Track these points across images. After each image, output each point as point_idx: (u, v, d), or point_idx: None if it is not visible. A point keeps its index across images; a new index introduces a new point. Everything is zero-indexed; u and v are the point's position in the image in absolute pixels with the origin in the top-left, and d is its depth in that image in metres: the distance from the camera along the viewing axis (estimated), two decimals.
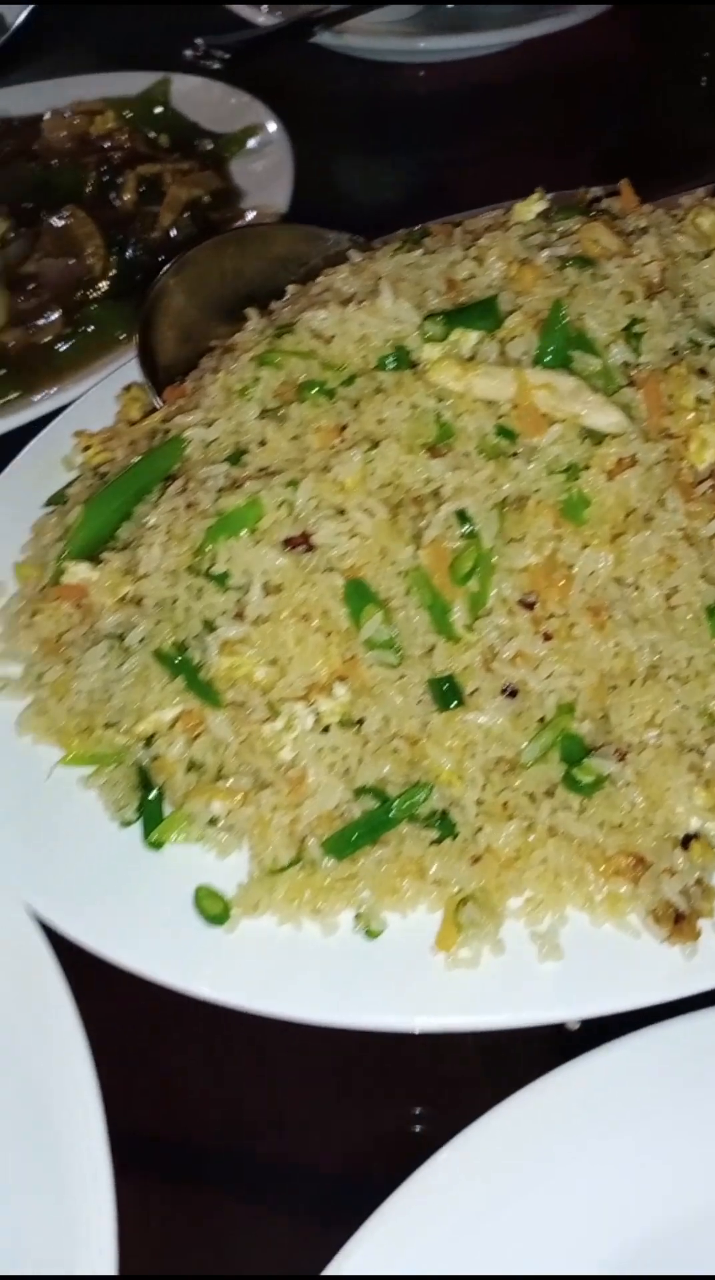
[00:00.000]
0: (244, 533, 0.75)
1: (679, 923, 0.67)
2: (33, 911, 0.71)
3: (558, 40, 1.62)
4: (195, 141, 1.41)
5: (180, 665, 0.75)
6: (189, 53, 1.48)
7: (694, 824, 0.72)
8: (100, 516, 0.85)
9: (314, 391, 0.81)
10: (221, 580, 0.75)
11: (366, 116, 1.60)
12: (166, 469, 0.84)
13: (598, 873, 0.70)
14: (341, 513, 0.75)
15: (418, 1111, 0.69)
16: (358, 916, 0.70)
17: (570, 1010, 0.66)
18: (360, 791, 0.72)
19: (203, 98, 1.47)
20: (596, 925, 0.69)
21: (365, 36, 1.59)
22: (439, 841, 0.72)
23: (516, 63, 1.73)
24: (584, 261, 0.83)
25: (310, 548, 0.75)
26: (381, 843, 0.71)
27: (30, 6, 1.75)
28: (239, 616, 0.74)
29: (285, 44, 1.58)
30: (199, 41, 1.48)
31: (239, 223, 1.26)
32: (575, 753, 0.73)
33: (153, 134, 1.41)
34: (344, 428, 0.79)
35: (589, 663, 0.74)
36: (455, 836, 0.72)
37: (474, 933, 0.68)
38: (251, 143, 1.40)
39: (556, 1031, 0.66)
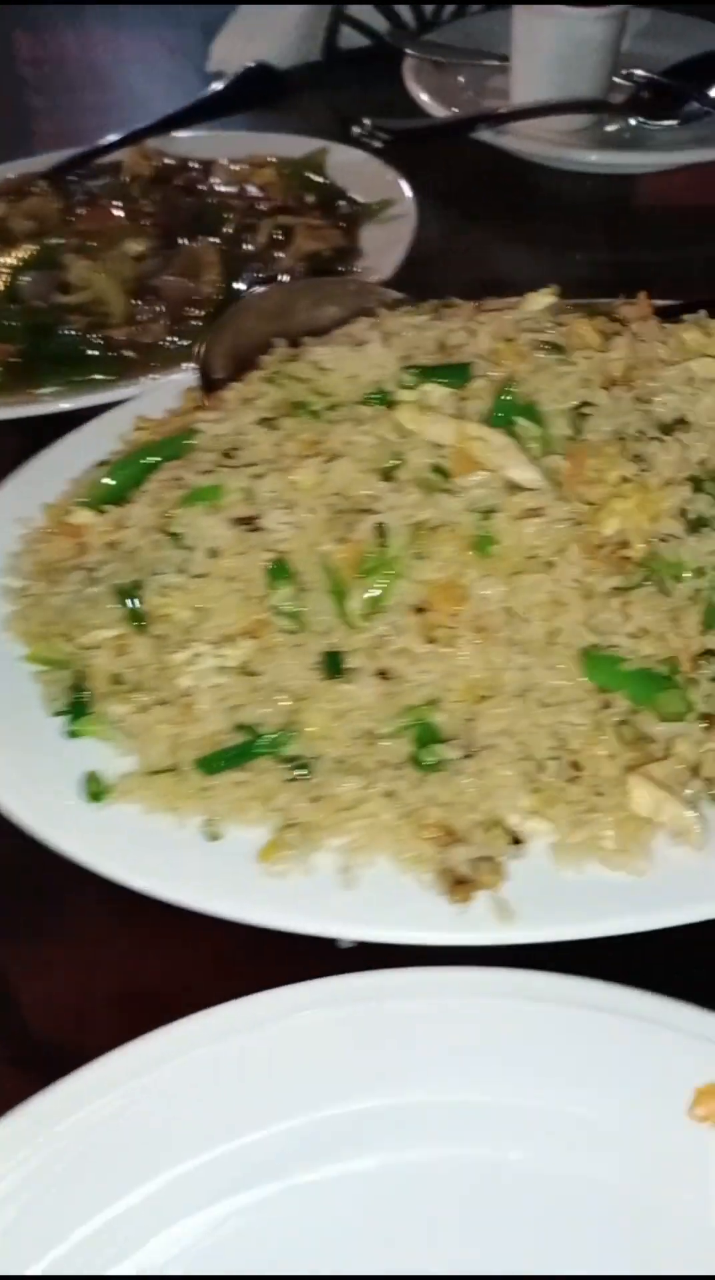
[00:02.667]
0: (204, 506, 0.98)
1: (457, 885, 0.84)
2: None
3: None
4: (338, 204, 1.69)
5: (126, 599, 0.98)
6: (356, 129, 1.78)
7: (514, 820, 0.89)
8: (119, 476, 1.10)
9: (303, 411, 1.04)
10: (177, 539, 0.98)
11: (505, 210, 1.85)
12: (176, 452, 1.08)
13: (412, 835, 0.88)
14: (290, 507, 0.98)
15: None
16: (206, 821, 0.90)
17: (344, 929, 0.83)
18: (238, 727, 0.93)
19: (358, 169, 1.75)
20: (397, 875, 0.87)
21: (522, 139, 1.85)
22: (293, 781, 0.91)
23: (681, 185, 1.97)
24: (557, 348, 1.03)
25: (256, 529, 0.97)
26: (244, 769, 0.91)
27: (252, 64, 2.08)
28: (181, 570, 0.97)
29: (451, 137, 1.86)
30: (367, 121, 1.77)
31: (348, 278, 1.52)
32: (426, 737, 0.91)
33: (303, 192, 1.69)
34: (318, 443, 1.01)
35: (462, 669, 0.93)
36: (307, 780, 0.91)
37: (291, 851, 0.87)
38: (386, 213, 1.66)
39: (333, 950, 0.84)
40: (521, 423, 0.98)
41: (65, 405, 1.34)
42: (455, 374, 1.02)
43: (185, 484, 1.01)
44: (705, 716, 0.91)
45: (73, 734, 0.96)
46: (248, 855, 0.87)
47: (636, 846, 0.85)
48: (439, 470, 0.97)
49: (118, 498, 1.09)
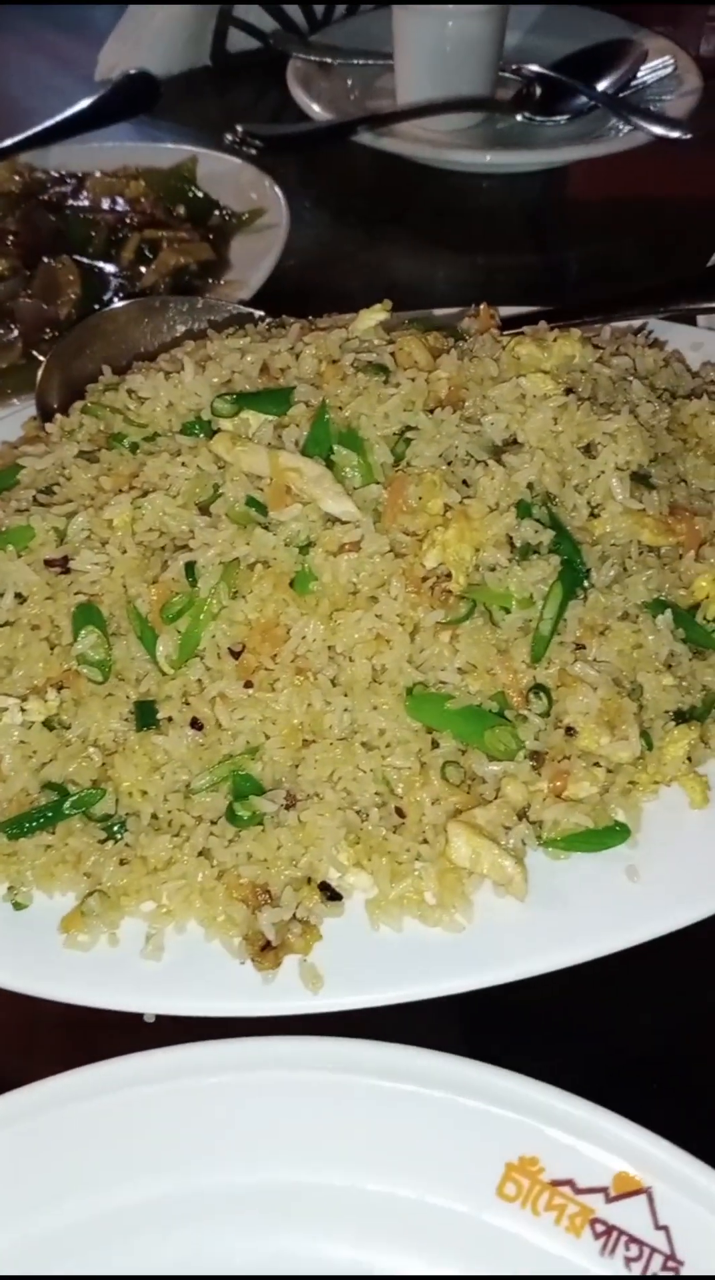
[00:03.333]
0: (12, 549, 0.91)
1: (264, 950, 0.78)
2: None
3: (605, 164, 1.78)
4: (211, 215, 1.61)
5: None
6: (229, 136, 1.70)
7: (333, 875, 0.83)
8: None
9: (121, 442, 0.97)
10: None
11: (388, 215, 1.77)
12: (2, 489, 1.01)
13: (226, 896, 0.82)
14: (103, 546, 0.91)
15: None
16: (9, 890, 0.83)
17: (145, 1003, 0.77)
18: (46, 785, 0.86)
19: (233, 177, 1.67)
20: (207, 940, 0.80)
21: (406, 142, 1.78)
22: (104, 842, 0.85)
23: (572, 182, 1.90)
24: (379, 369, 0.96)
25: (66, 570, 0.90)
26: (53, 831, 0.85)
27: (130, 72, 1.99)
28: None
29: (332, 142, 1.79)
30: (239, 128, 1.69)
31: (210, 293, 1.44)
32: (244, 789, 0.85)
33: (173, 204, 1.61)
34: (135, 476, 0.94)
35: (282, 715, 0.86)
36: (119, 840, 0.84)
37: (94, 921, 0.80)
38: (257, 223, 1.59)
39: (142, 1023, 0.78)
40: (340, 451, 0.91)
41: None
42: (275, 400, 0.95)
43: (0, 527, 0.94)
44: (535, 755, 0.85)
45: None
46: (54, 924, 0.81)
47: (457, 900, 0.79)
48: (255, 504, 0.91)
49: None
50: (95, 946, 0.80)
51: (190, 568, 0.87)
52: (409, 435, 0.93)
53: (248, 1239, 0.69)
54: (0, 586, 0.90)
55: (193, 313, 1.21)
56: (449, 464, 0.94)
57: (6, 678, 0.88)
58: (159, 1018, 0.77)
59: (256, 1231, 0.69)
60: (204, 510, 0.92)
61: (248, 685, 0.87)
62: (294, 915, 0.80)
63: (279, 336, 1.03)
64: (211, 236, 1.56)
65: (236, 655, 0.87)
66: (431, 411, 0.94)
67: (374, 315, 1.05)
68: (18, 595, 0.90)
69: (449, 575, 0.89)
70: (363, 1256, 0.68)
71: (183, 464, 0.93)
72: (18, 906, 0.83)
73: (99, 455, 0.97)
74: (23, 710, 0.86)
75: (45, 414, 1.14)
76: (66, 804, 0.85)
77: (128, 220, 1.58)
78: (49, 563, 0.90)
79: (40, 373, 1.16)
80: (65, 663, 0.88)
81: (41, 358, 1.35)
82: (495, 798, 0.85)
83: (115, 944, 0.80)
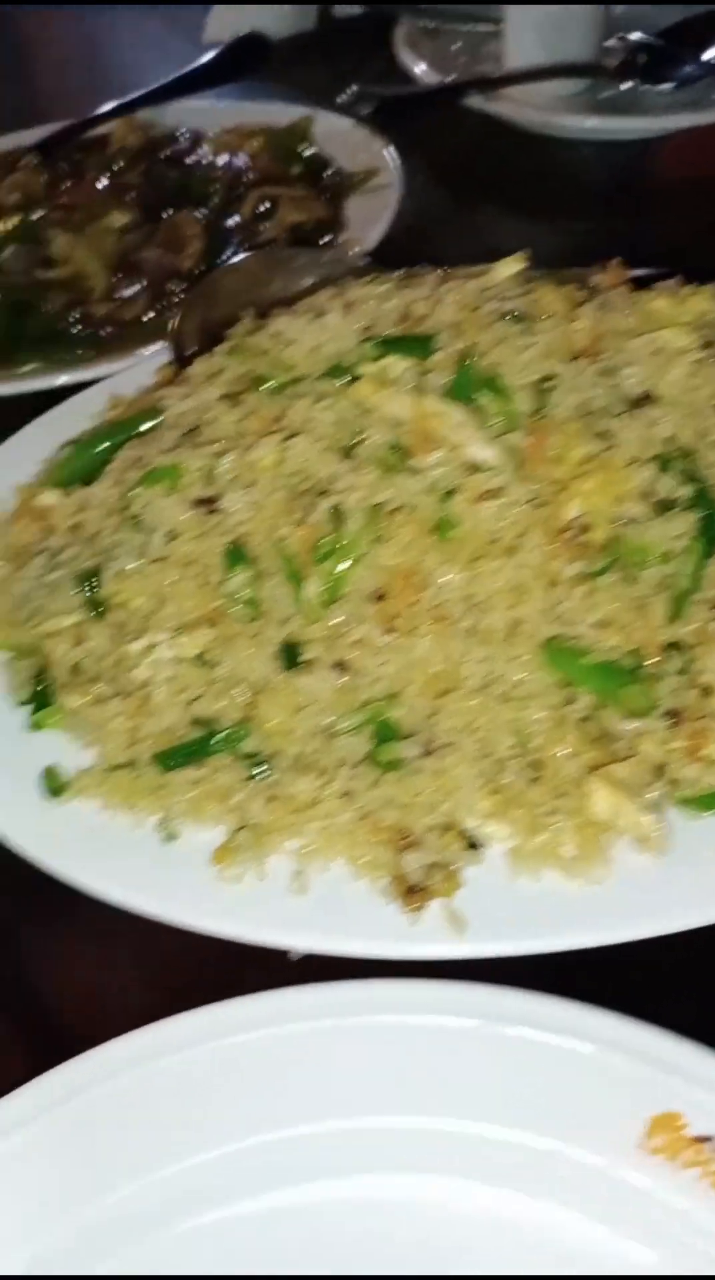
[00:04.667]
0: (163, 486, 0.87)
1: (410, 894, 0.74)
2: None
3: None
4: (324, 174, 1.55)
5: (85, 584, 0.88)
6: (342, 97, 1.63)
7: (472, 823, 0.79)
8: (81, 457, 0.99)
9: (264, 385, 0.92)
10: (136, 521, 0.87)
11: (496, 178, 1.69)
12: (140, 430, 0.97)
13: (369, 838, 0.78)
14: (249, 487, 0.87)
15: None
16: (161, 821, 0.80)
17: (293, 939, 0.74)
18: (196, 721, 0.83)
19: (345, 138, 1.60)
20: (353, 880, 0.77)
21: (514, 106, 1.69)
22: (250, 779, 0.81)
23: (677, 151, 1.80)
24: (520, 318, 0.90)
25: (214, 510, 0.86)
26: (201, 766, 0.82)
27: (246, 33, 1.92)
28: (140, 554, 0.86)
29: (441, 104, 1.71)
30: (353, 89, 1.63)
31: (322, 248, 1.39)
32: (386, 734, 0.81)
33: (288, 163, 1.55)
34: (279, 419, 0.90)
35: (421, 662, 0.82)
36: (263, 778, 0.81)
37: (243, 854, 0.77)
38: (371, 183, 1.53)
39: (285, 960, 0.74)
40: (482, 398, 0.86)
41: (43, 384, 1.23)
42: (417, 346, 0.89)
43: (145, 463, 0.90)
44: (671, 713, 0.80)
45: (35, 725, 0.87)
46: (203, 858, 0.78)
47: (596, 854, 0.75)
48: (398, 448, 0.86)
49: (83, 478, 0.98)
50: (243, 881, 0.77)
51: (336, 511, 0.84)
52: (548, 385, 0.88)
53: (390, 1177, 0.66)
54: (152, 524, 0.86)
55: (321, 264, 1.15)
56: (588, 415, 0.88)
57: (156, 614, 0.84)
58: (301, 958, 0.74)
59: (397, 1172, 0.66)
60: (346, 455, 0.88)
61: (389, 631, 0.83)
62: (436, 861, 0.76)
63: (415, 286, 0.98)
64: (326, 195, 1.50)
65: (379, 600, 0.83)
66: (571, 362, 0.89)
67: (511, 265, 0.98)
68: (168, 533, 0.86)
69: (588, 527, 0.84)
70: (500, 1203, 0.65)
71: (326, 408, 0.89)
72: (169, 838, 0.80)
73: (242, 398, 0.93)
74: (174, 646, 0.83)
75: (181, 359, 1.10)
76: (214, 740, 0.82)
77: (245, 177, 1.52)
78: (198, 502, 0.87)
79: (176, 320, 1.12)
80: (214, 601, 0.84)
81: (168, 309, 1.32)
82: (631, 754, 0.81)
83: (263, 879, 0.77)
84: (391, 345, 0.89)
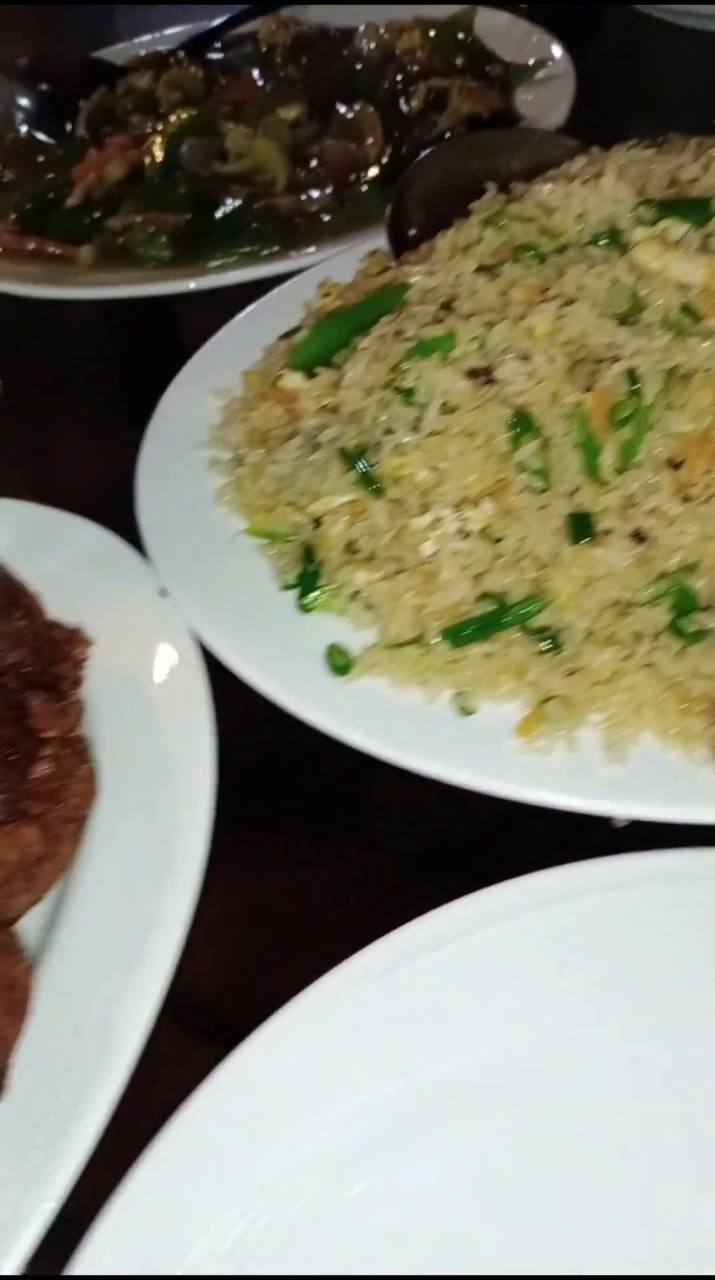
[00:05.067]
0: (436, 357, 0.83)
1: None
2: (197, 636, 0.83)
3: None
4: (487, 67, 1.48)
5: (356, 462, 0.84)
6: None
7: None
8: (321, 339, 0.95)
9: (529, 254, 0.88)
10: (407, 395, 0.83)
11: (666, 79, 1.62)
12: (387, 308, 0.93)
13: (678, 709, 0.75)
14: (525, 357, 0.82)
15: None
16: (457, 694, 0.77)
17: (620, 806, 0.71)
18: (483, 595, 0.80)
19: (505, 31, 1.54)
20: (664, 751, 0.74)
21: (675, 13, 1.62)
22: (543, 654, 0.78)
23: None
24: None
25: (491, 380, 0.82)
26: (492, 640, 0.79)
27: None
28: (415, 429, 0.83)
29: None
30: None
31: (539, 133, 1.32)
32: (686, 605, 0.78)
33: (451, 55, 1.49)
34: (547, 289, 0.86)
35: None
36: (558, 652, 0.78)
37: (553, 725, 0.74)
38: (539, 75, 1.46)
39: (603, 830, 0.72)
40: None
41: (238, 277, 1.19)
42: (695, 209, 0.84)
43: (408, 338, 0.86)
44: None
45: (304, 608, 0.84)
46: (505, 730, 0.75)
47: None
48: (689, 312, 0.81)
49: (324, 360, 0.94)
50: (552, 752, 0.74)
51: (630, 375, 0.79)
52: None
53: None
54: (426, 395, 0.83)
55: (532, 145, 1.10)
56: None
57: (437, 489, 0.81)
58: (624, 825, 0.72)
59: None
60: (623, 322, 0.83)
61: (684, 500, 0.79)
62: None
63: (674, 153, 0.93)
64: (495, 87, 1.44)
65: (676, 467, 0.79)
66: None
67: None
68: (443, 405, 0.82)
69: None
70: None
71: (600, 274, 0.84)
72: (465, 712, 0.77)
73: (500, 269, 0.89)
74: (459, 520, 0.80)
75: (400, 239, 1.06)
76: (506, 614, 0.79)
77: (409, 70, 1.46)
78: (473, 373, 0.83)
79: (391, 204, 1.07)
80: (499, 473, 0.81)
81: (352, 200, 1.27)
82: None
83: (574, 749, 0.74)
84: (668, 209, 0.85)
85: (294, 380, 0.93)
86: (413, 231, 1.05)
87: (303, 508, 0.86)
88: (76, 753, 0.73)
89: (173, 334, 1.22)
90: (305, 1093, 0.61)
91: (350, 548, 0.84)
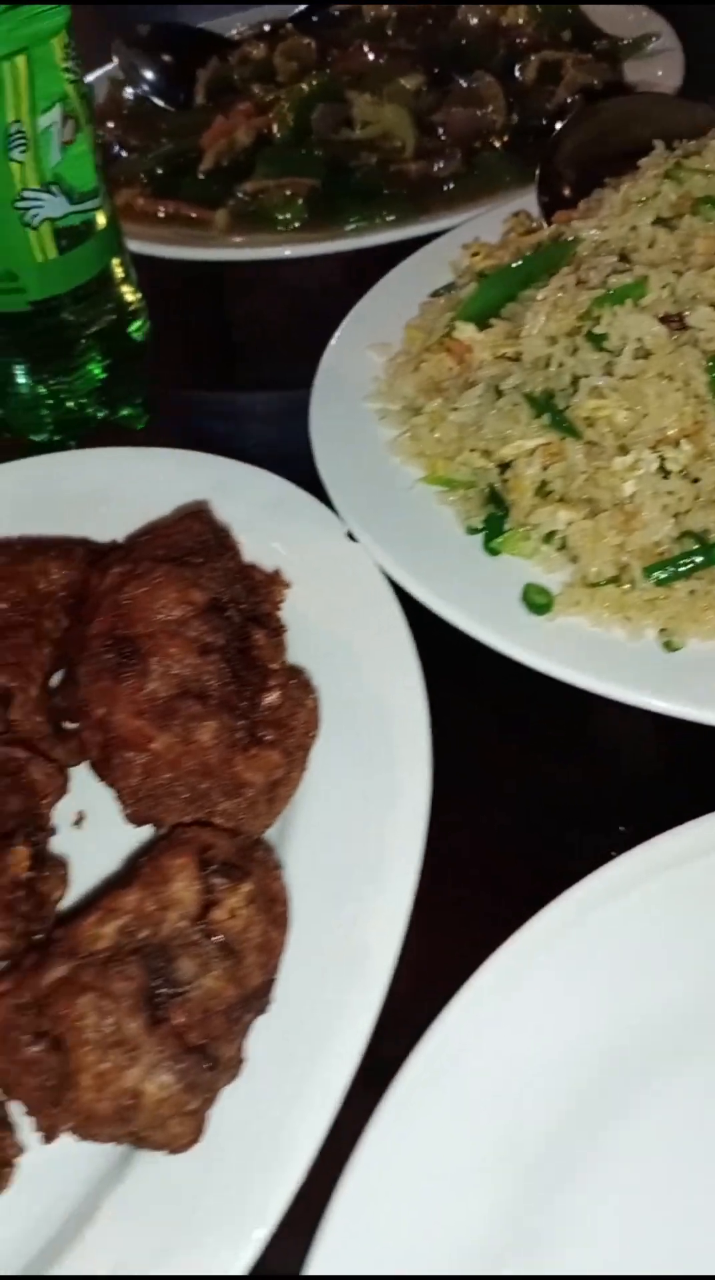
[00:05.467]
0: (628, 304, 0.84)
1: None
2: (389, 577, 0.84)
3: None
4: (593, 41, 1.49)
5: (547, 406, 0.85)
6: None
7: None
8: (492, 291, 0.96)
9: (709, 205, 0.89)
10: (598, 341, 0.84)
11: None
12: (556, 263, 0.94)
13: None
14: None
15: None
16: (661, 630, 0.78)
17: None
18: (684, 534, 0.80)
19: (610, 6, 1.55)
20: None
21: None
22: None
23: None
24: None
25: (683, 327, 0.83)
26: (695, 578, 0.80)
27: None
28: (608, 373, 0.84)
29: None
30: None
31: (700, 104, 1.32)
32: None
33: (558, 28, 1.49)
34: None
35: None
36: None
37: None
38: (647, 48, 1.47)
39: None
40: None
41: (375, 240, 1.19)
42: None
43: (592, 285, 0.87)
44: None
45: (492, 551, 0.85)
46: (713, 665, 0.76)
47: None
48: None
49: (493, 313, 0.95)
50: None
51: None
52: None
53: None
54: (619, 341, 0.83)
55: (685, 111, 1.11)
56: None
57: (634, 430, 0.82)
58: None
59: None
60: None
61: None
62: None
63: None
64: (604, 60, 1.45)
65: None
66: None
67: None
68: (637, 349, 0.83)
69: None
70: None
71: None
72: (671, 648, 0.78)
73: (678, 222, 0.90)
74: (658, 460, 0.81)
75: (553, 202, 1.07)
76: (711, 553, 0.80)
77: (517, 44, 1.47)
78: (665, 319, 0.84)
79: (540, 166, 1.08)
80: (697, 414, 0.81)
81: (479, 167, 1.28)
82: None
83: None
84: None
85: (467, 331, 0.93)
86: (567, 191, 1.05)
87: (490, 453, 0.86)
88: (301, 684, 0.74)
89: (309, 296, 1.23)
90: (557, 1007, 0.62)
91: (541, 490, 0.84)
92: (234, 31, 1.64)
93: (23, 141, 0.85)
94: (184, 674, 0.70)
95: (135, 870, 0.60)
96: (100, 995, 0.54)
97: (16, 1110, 0.59)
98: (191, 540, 0.78)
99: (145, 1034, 0.54)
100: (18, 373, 0.99)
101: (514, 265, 0.96)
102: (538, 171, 1.08)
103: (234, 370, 1.20)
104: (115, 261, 0.98)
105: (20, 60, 0.81)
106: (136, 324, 1.03)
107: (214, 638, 0.71)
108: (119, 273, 0.99)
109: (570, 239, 0.94)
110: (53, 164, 0.87)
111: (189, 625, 0.71)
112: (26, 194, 0.87)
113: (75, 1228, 0.57)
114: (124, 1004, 0.54)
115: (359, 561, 0.85)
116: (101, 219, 0.94)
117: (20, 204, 0.87)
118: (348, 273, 1.22)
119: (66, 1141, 0.57)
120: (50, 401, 1.00)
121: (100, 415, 1.04)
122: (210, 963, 0.57)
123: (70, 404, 1.00)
